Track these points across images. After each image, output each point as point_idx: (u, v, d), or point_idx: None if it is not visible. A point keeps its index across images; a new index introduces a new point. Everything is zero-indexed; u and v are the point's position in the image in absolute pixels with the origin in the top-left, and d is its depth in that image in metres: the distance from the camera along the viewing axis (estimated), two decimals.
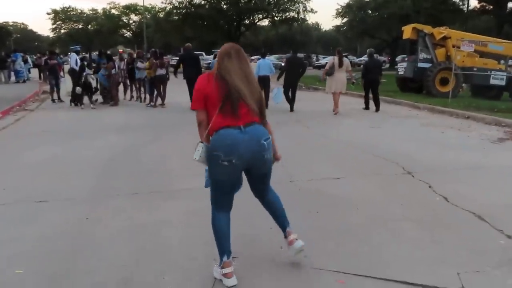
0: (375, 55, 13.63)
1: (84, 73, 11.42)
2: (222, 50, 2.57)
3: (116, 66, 12.23)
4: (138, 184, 4.65)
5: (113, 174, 5.09)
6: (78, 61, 12.34)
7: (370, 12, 40.58)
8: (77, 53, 13.91)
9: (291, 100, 10.50)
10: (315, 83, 18.54)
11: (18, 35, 72.05)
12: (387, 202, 4.04)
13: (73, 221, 3.58)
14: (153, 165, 5.46)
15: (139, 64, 12.03)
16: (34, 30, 78.71)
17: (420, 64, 13.54)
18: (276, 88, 10.43)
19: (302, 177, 4.86)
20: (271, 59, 39.44)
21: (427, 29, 13.93)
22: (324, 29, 78.84)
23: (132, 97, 13.36)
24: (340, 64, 9.89)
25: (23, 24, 77.99)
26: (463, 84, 13.98)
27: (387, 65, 44.15)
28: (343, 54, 10.93)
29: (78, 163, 5.60)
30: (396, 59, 22.89)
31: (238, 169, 2.51)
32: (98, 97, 12.37)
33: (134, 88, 13.20)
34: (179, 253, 2.99)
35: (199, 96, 2.51)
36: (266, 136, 2.54)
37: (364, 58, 44.30)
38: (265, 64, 10.91)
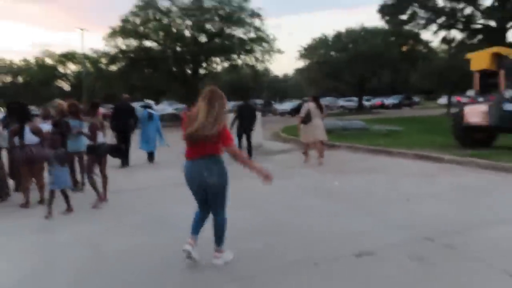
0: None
1: None
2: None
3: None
4: None
5: None
6: None
7: (333, 53, 38.14)
8: None
9: (248, 148, 10.40)
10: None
11: None
12: None
13: None
14: None
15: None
16: None
17: (508, 107, 8.99)
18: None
19: None
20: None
21: None
22: (272, 75, 76.34)
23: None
24: (321, 109, 9.47)
25: None
26: None
27: (348, 109, 41.27)
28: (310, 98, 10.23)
29: None
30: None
31: (194, 185, 3.66)
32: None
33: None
34: None
35: None
36: (210, 168, 3.52)
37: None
38: None
